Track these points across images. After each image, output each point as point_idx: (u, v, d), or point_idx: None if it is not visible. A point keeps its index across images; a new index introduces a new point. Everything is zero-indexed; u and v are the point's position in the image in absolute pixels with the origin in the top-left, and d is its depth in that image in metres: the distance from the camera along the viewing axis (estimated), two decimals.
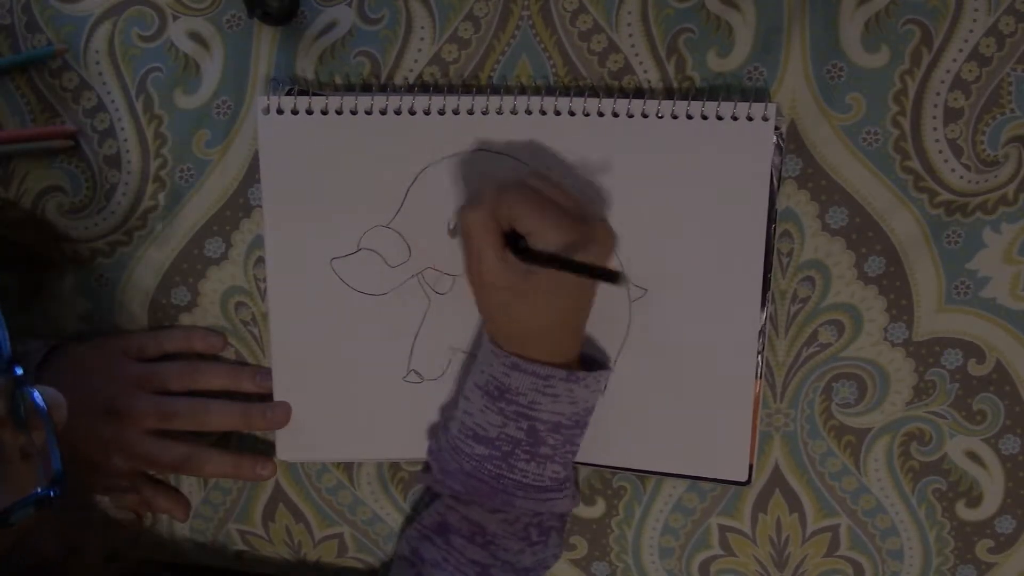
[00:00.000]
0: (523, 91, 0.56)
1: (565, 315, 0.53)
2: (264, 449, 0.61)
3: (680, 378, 0.57)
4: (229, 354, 0.60)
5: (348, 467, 0.62)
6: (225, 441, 0.61)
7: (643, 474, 0.59)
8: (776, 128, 0.54)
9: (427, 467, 0.58)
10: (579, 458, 0.58)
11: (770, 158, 0.54)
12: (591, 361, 0.57)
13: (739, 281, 0.56)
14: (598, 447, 0.58)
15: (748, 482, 0.58)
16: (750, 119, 0.54)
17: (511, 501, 0.54)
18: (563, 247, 0.49)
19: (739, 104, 0.54)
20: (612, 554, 0.61)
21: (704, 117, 0.54)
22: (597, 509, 0.61)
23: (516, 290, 0.51)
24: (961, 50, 0.54)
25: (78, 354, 0.57)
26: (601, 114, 0.55)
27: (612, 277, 0.48)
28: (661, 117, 0.55)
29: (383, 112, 0.56)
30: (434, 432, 0.59)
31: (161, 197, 0.59)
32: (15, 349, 0.39)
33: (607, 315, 0.57)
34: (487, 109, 0.55)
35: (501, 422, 0.53)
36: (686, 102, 0.54)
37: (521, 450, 0.53)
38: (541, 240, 0.49)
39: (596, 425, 0.58)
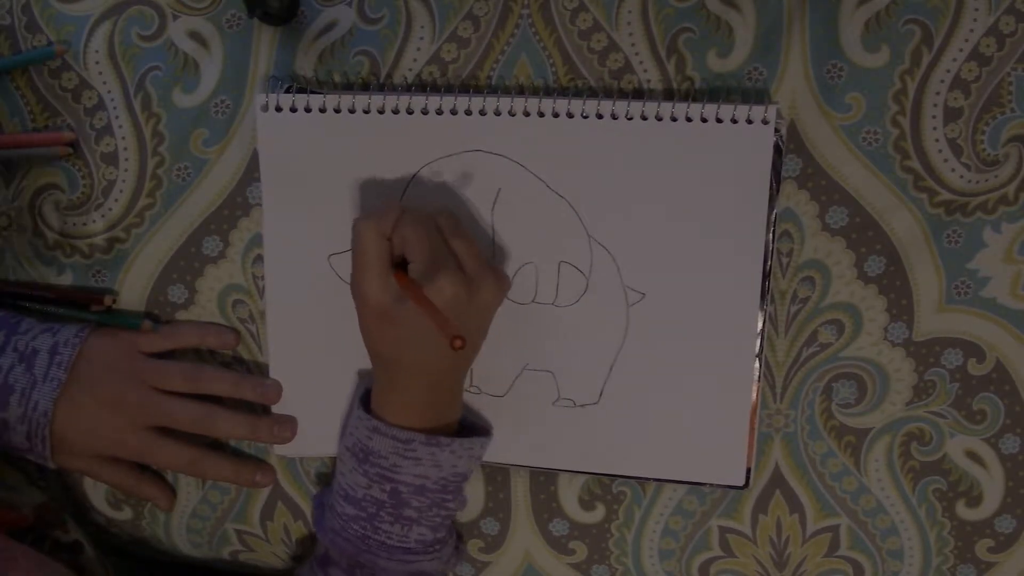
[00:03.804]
0: (522, 91, 0.56)
1: (428, 358, 0.51)
2: (258, 451, 0.61)
3: (678, 383, 0.57)
4: (227, 352, 0.60)
5: None
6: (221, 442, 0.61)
7: (641, 480, 0.59)
8: (776, 131, 0.54)
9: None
10: (577, 466, 0.58)
11: (770, 161, 0.54)
12: (470, 428, 0.57)
13: (738, 286, 0.56)
14: (595, 454, 0.58)
15: (746, 486, 0.58)
16: (750, 122, 0.54)
17: (375, 562, 0.54)
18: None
19: (739, 107, 0.54)
20: (612, 557, 0.61)
21: (704, 119, 0.54)
22: (597, 514, 0.60)
23: (387, 313, 0.51)
24: (961, 50, 0.54)
25: (92, 345, 0.57)
26: (600, 116, 0.55)
27: (451, 340, 0.45)
28: (660, 119, 0.54)
29: (381, 111, 0.56)
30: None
31: (158, 195, 0.59)
32: None
33: (605, 320, 0.57)
34: (485, 109, 0.55)
35: (366, 483, 0.54)
36: (685, 104, 0.54)
37: (385, 512, 0.54)
38: (418, 274, 0.50)
39: (593, 431, 0.58)
